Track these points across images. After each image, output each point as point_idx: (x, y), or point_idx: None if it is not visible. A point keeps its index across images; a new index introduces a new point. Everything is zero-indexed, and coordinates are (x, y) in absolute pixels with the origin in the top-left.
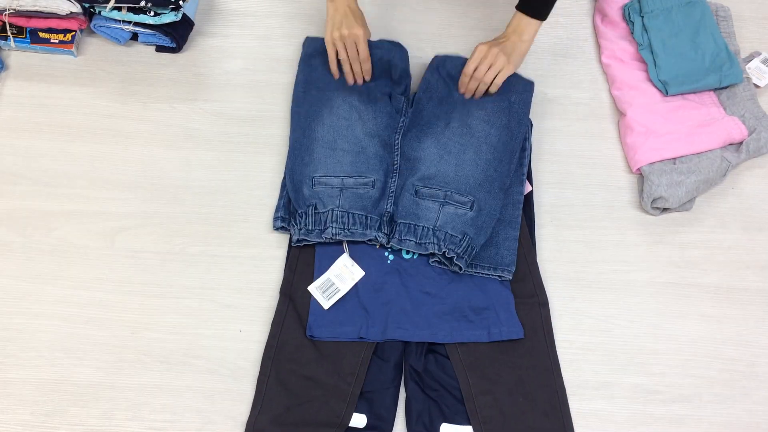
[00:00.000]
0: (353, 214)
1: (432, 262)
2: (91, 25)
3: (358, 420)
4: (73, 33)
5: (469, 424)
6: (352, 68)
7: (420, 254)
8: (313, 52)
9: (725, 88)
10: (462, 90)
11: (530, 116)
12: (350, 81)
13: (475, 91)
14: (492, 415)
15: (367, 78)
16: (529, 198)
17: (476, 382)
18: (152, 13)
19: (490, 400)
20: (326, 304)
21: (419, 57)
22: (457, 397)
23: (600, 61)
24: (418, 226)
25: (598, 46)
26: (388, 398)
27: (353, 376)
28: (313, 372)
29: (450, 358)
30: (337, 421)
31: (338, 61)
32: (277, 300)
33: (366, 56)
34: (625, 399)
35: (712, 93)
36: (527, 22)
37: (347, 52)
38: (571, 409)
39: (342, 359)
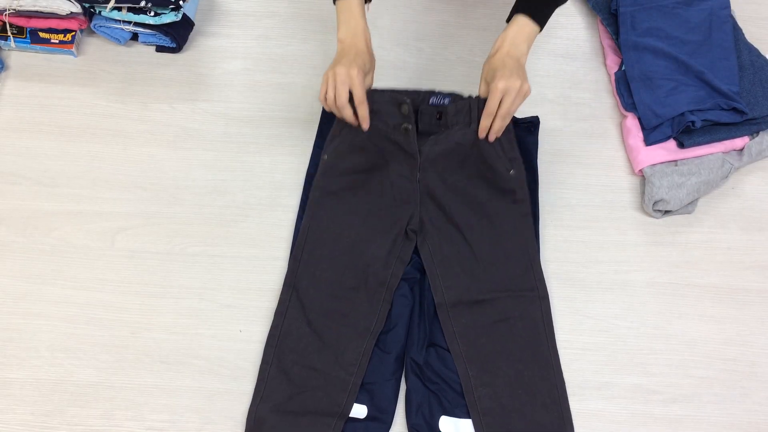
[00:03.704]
0: None
1: None
2: (91, 25)
3: (359, 411)
4: (73, 33)
5: (469, 417)
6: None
7: None
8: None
9: None
10: (483, 134)
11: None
12: (352, 122)
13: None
14: (491, 407)
15: (364, 126)
16: (534, 192)
17: (476, 374)
18: (152, 13)
19: (490, 392)
20: None
21: (419, 57)
22: (457, 391)
23: (604, 64)
24: None
25: (602, 48)
26: (389, 390)
27: (355, 367)
28: (315, 362)
29: (450, 350)
30: (338, 410)
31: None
32: (277, 299)
33: (360, 99)
34: (625, 399)
35: None
36: (527, 30)
37: (335, 94)
38: (571, 409)
39: (344, 350)
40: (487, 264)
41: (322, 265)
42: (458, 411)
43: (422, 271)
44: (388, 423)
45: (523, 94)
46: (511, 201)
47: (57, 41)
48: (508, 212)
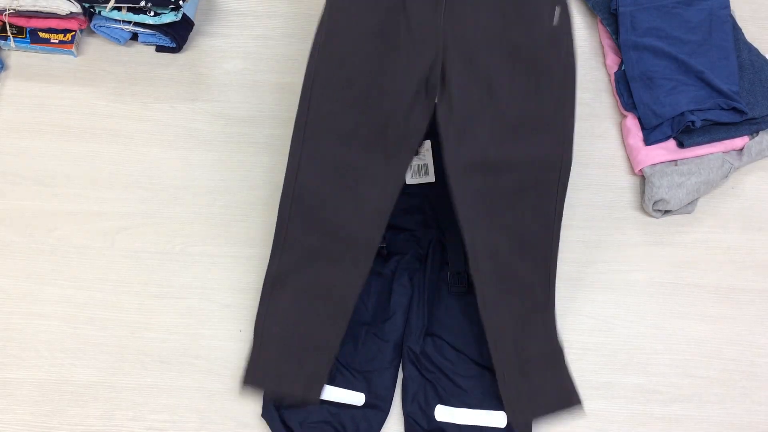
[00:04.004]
0: None
1: None
2: (91, 25)
3: (357, 398)
4: (73, 33)
5: (465, 407)
6: None
7: None
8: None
9: None
10: None
11: None
12: None
13: None
14: (491, 278)
15: None
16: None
17: (481, 239)
18: (152, 13)
19: (489, 255)
20: None
21: None
22: (453, 380)
23: (604, 64)
24: None
25: (602, 48)
26: (387, 378)
27: (375, 222)
28: (333, 217)
29: (457, 214)
30: (360, 264)
31: None
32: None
33: None
34: (625, 399)
35: None
36: None
37: None
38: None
39: (361, 205)
40: (514, 125)
41: (333, 115)
42: (454, 400)
43: (422, 261)
44: (386, 411)
45: None
46: (554, 51)
47: (57, 41)
48: (548, 63)
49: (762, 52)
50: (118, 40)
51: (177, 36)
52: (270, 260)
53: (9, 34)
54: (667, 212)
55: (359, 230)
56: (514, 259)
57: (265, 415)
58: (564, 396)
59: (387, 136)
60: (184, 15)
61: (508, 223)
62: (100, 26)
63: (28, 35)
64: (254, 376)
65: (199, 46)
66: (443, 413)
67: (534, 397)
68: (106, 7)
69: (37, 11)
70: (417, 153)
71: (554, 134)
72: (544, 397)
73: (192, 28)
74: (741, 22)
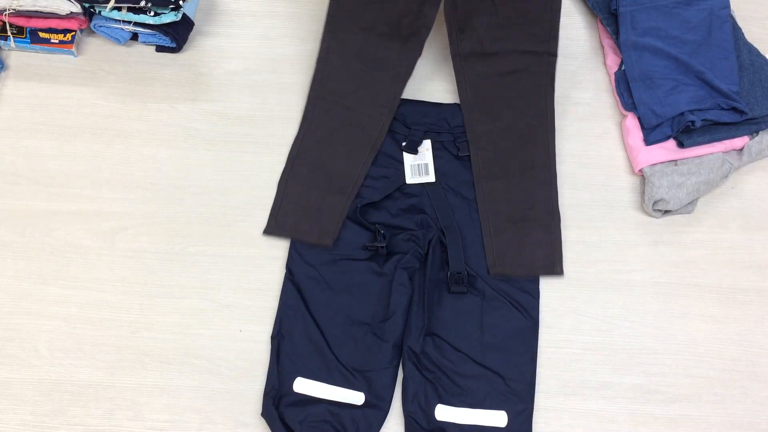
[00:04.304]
0: None
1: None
2: (91, 25)
3: (357, 398)
4: (73, 33)
5: (465, 406)
6: None
7: None
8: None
9: None
10: None
11: None
12: None
13: None
14: (487, 146)
15: None
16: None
17: (478, 117)
18: (152, 13)
19: (488, 132)
20: None
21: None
22: (453, 380)
23: (604, 64)
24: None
25: (602, 48)
26: (387, 378)
27: (386, 107)
28: (353, 101)
29: (459, 97)
30: (371, 144)
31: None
32: (277, 299)
33: None
34: (625, 399)
35: None
36: None
37: None
38: (571, 409)
39: (377, 92)
40: (507, 20)
41: (357, 11)
42: (454, 400)
43: (422, 261)
44: (386, 410)
45: None
46: None
47: (57, 41)
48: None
49: (762, 52)
50: (118, 40)
51: (177, 36)
52: (297, 134)
53: (9, 34)
54: (667, 212)
55: (372, 111)
56: (509, 139)
57: (265, 414)
58: (548, 262)
59: (401, 29)
60: (184, 15)
61: (503, 107)
62: (100, 26)
63: (28, 35)
64: (275, 225)
65: (199, 46)
66: (443, 413)
67: (519, 253)
68: (106, 7)
69: (37, 11)
70: (416, 152)
71: (541, 29)
72: (530, 256)
73: (192, 28)
74: (741, 22)
